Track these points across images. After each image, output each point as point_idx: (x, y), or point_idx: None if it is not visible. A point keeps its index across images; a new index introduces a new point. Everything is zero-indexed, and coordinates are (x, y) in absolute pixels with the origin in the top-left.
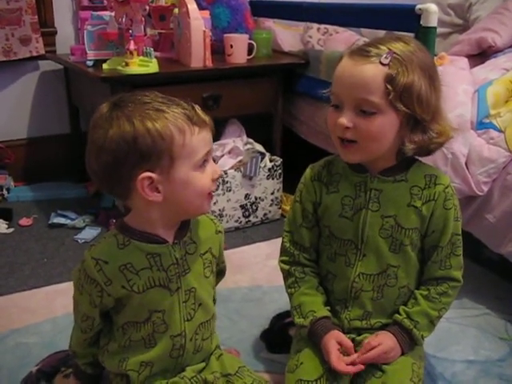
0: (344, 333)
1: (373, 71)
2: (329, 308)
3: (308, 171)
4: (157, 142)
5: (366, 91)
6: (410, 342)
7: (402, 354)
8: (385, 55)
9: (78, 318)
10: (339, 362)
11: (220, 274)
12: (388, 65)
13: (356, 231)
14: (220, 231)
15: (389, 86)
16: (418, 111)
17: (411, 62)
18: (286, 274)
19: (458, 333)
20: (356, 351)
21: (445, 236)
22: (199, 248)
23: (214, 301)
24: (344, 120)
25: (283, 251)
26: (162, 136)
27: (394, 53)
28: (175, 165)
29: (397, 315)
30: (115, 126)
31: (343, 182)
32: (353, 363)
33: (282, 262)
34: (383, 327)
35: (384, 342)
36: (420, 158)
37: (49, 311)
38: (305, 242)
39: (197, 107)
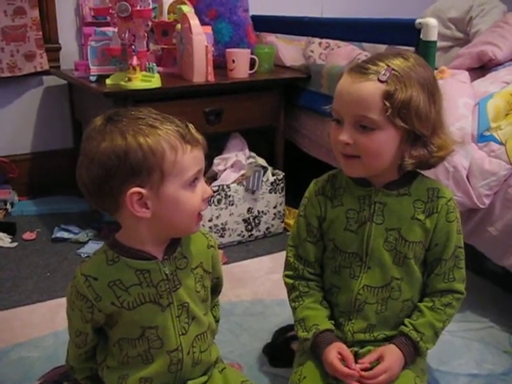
0: (347, 346)
1: (371, 88)
2: (332, 322)
3: (312, 186)
4: (148, 158)
5: (365, 108)
6: (414, 354)
7: (405, 364)
8: (383, 72)
9: (72, 334)
10: (343, 368)
11: (214, 291)
12: (386, 82)
13: (361, 244)
14: (212, 246)
15: (387, 103)
16: (417, 126)
17: (409, 77)
18: (290, 288)
19: (462, 346)
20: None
21: (448, 249)
22: (190, 263)
23: (217, 318)
24: (344, 137)
25: (287, 265)
26: (154, 152)
27: (393, 69)
28: (165, 181)
29: (403, 327)
30: (108, 140)
31: (347, 196)
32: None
33: (286, 276)
34: (387, 339)
35: (392, 367)
36: (422, 172)
37: (51, 325)
38: (309, 256)
39: (190, 126)
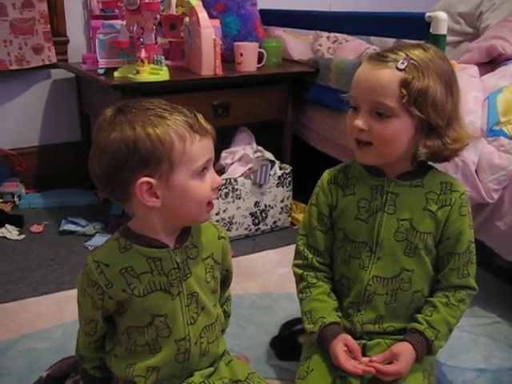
0: (356, 337)
1: (388, 75)
2: (339, 314)
3: (325, 175)
4: (156, 147)
5: (381, 95)
6: (426, 352)
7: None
8: (401, 61)
9: (82, 321)
10: (348, 362)
11: (224, 284)
12: (404, 70)
13: (371, 234)
14: (223, 237)
15: (403, 91)
16: (432, 116)
17: (428, 67)
18: (299, 279)
19: (469, 341)
20: (366, 356)
21: (461, 243)
22: (201, 253)
23: (228, 313)
24: (359, 122)
25: (297, 254)
26: (162, 141)
27: (412, 59)
28: (174, 171)
29: (417, 325)
30: (117, 130)
31: (360, 185)
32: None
33: (295, 265)
34: (396, 332)
35: (404, 370)
36: (435, 165)
37: (59, 317)
38: (319, 245)
39: (199, 115)
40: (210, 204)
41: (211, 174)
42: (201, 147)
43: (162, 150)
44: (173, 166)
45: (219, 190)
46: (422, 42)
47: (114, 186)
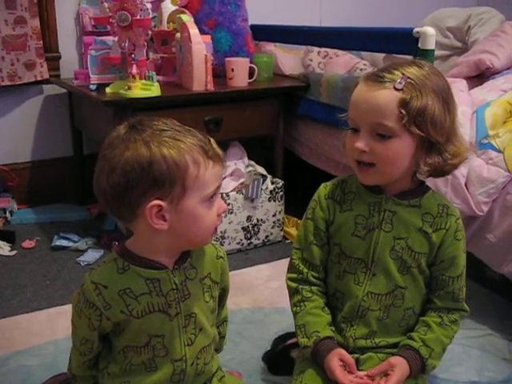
0: (348, 352)
1: (387, 96)
2: (333, 328)
3: (321, 189)
4: (171, 170)
5: (381, 116)
6: (419, 369)
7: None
8: (399, 80)
9: (76, 342)
10: (345, 377)
11: (219, 302)
12: (402, 90)
13: (367, 250)
14: (221, 256)
15: (402, 111)
16: (432, 134)
17: (425, 85)
18: (293, 292)
19: (461, 354)
20: (359, 370)
21: (456, 267)
22: (199, 273)
23: (222, 334)
24: (360, 144)
25: (291, 268)
26: (177, 164)
27: (408, 77)
28: (186, 196)
29: (412, 342)
30: (132, 149)
31: (357, 201)
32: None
33: (289, 279)
34: (388, 346)
35: (401, 376)
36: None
37: (51, 333)
38: (315, 259)
39: (212, 141)
40: (215, 229)
41: (218, 200)
42: (213, 173)
43: (177, 174)
44: (185, 190)
45: None
46: (415, 58)
47: (121, 204)
